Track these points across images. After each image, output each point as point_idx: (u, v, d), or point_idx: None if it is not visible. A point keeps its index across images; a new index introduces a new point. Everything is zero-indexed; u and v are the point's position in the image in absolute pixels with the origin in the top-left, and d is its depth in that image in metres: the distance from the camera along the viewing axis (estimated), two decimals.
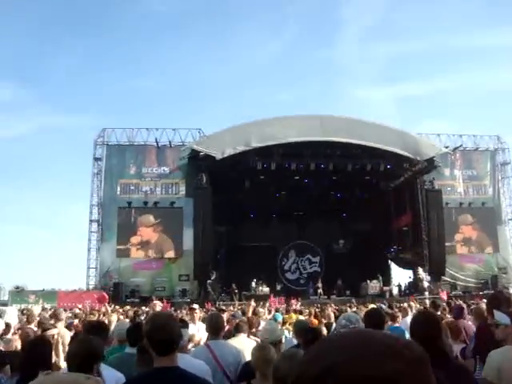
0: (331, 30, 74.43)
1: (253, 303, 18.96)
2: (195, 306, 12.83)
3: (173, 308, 18.14)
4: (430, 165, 26.53)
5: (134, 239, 26.78)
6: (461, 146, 29.32)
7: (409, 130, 27.06)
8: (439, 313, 8.86)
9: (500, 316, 4.20)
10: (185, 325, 5.28)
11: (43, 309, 16.51)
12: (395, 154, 25.21)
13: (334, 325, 7.70)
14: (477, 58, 72.97)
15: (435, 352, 2.92)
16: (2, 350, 5.68)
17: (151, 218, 26.89)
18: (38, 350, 4.04)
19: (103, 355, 3.34)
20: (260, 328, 7.31)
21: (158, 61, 71.18)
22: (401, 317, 9.00)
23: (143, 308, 16.98)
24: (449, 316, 8.30)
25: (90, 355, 3.06)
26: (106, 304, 16.09)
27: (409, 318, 8.38)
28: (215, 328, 5.21)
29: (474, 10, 67.28)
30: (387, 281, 30.27)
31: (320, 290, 26.84)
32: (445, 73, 72.85)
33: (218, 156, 23.99)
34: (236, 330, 6.54)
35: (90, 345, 3.18)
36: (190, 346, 5.57)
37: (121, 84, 70.83)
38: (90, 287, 27.26)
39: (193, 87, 76.07)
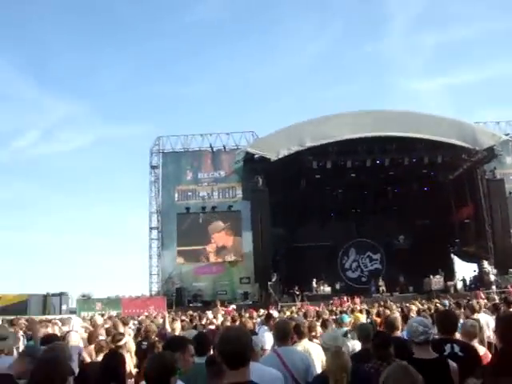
0: (376, 24, 73.72)
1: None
2: (275, 313, 13.05)
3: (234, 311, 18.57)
4: (490, 154, 26.26)
5: (210, 247, 27.77)
6: None
7: (465, 120, 26.65)
8: None
9: None
10: (253, 333, 5.34)
11: (110, 317, 17.13)
12: (452, 144, 25.16)
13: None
14: None
15: None
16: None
17: (220, 223, 27.78)
18: (112, 363, 4.32)
19: (178, 369, 3.41)
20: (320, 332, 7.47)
21: (208, 66, 72.32)
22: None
23: (207, 312, 17.48)
24: None
25: (165, 370, 3.16)
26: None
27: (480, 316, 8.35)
28: (283, 334, 5.26)
29: None
30: (451, 275, 29.96)
31: (382, 288, 26.86)
32: (496, 59, 70.77)
33: (273, 157, 24.48)
34: (298, 335, 6.74)
35: (165, 359, 3.29)
36: None
37: (172, 92, 72.44)
38: (153, 293, 28.06)
39: (243, 91, 76.97)
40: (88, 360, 6.30)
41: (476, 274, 28.21)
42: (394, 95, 74.87)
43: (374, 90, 74.71)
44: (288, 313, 15.27)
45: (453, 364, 3.89)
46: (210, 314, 17.03)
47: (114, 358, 4.46)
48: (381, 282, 27.57)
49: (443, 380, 3.83)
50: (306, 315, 12.30)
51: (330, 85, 79.25)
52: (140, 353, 7.53)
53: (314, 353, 5.75)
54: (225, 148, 28.30)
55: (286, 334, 5.33)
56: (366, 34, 72.72)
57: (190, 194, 28.16)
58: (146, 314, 20.62)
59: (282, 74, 74.85)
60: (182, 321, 12.23)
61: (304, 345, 6.15)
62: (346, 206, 30.48)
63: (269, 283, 25.22)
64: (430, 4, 68.29)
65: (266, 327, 8.77)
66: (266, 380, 3.31)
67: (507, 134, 27.77)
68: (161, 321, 12.36)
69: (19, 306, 25.24)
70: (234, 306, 22.71)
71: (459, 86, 73.81)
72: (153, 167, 29.26)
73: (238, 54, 73.09)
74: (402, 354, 4.28)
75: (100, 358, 5.65)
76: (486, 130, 26.90)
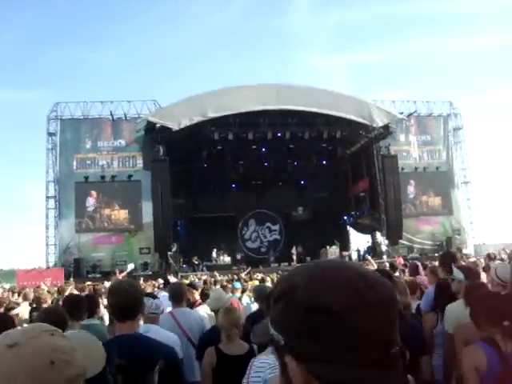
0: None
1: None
2: (173, 278, 13.14)
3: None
4: (386, 131, 27.49)
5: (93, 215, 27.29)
6: (415, 112, 30.58)
7: (364, 98, 27.55)
8: (397, 273, 9.76)
9: (457, 272, 4.66)
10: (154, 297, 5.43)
11: (8, 289, 16.48)
12: (351, 120, 26.12)
13: None
14: (427, 26, 75.49)
15: None
16: None
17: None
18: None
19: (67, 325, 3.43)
20: None
21: (110, 33, 70.15)
22: None
23: (106, 282, 17.21)
24: (407, 274, 9.13)
25: (55, 322, 3.14)
26: None
27: None
28: (178, 296, 5.54)
29: None
30: (346, 246, 31.41)
31: (295, 257, 27.87)
32: (396, 40, 74.77)
33: (175, 127, 24.32)
34: (203, 298, 6.87)
35: (56, 312, 3.36)
36: None
37: (72, 57, 69.54)
38: (50, 265, 27.44)
39: (146, 59, 75.67)
40: None
41: (369, 244, 29.61)
42: (296, 71, 76.64)
43: (277, 64, 76.20)
44: (187, 281, 15.47)
45: None
46: (107, 283, 16.83)
47: (3, 322, 4.24)
48: (293, 251, 28.36)
49: None
50: (205, 282, 12.63)
51: (235, 57, 79.85)
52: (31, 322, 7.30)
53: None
54: (126, 116, 27.79)
55: (181, 295, 5.61)
56: (271, 9, 73.40)
57: (88, 162, 27.50)
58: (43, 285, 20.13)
59: (186, 44, 74.68)
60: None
61: (207, 307, 6.36)
62: (246, 178, 31.01)
63: (169, 253, 25.32)
64: None
65: (165, 292, 8.87)
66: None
67: (402, 113, 29.05)
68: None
69: None
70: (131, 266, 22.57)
71: (360, 65, 76.72)
72: (50, 134, 28.33)
73: (141, 22, 71.37)
74: None
75: None
76: (383, 108, 27.97)
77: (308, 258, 27.77)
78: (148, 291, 9.07)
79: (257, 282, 12.82)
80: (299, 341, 0.86)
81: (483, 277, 7.64)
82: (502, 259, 13.96)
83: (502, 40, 69.46)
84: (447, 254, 6.98)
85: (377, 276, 0.93)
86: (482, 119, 71.39)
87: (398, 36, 77.60)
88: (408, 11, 73.57)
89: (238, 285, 10.46)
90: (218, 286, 10.41)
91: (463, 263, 9.36)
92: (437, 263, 9.24)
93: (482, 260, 12.83)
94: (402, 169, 28.85)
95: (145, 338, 2.92)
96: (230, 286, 10.78)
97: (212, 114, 24.59)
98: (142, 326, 3.91)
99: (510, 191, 55.97)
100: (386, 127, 27.12)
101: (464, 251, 26.94)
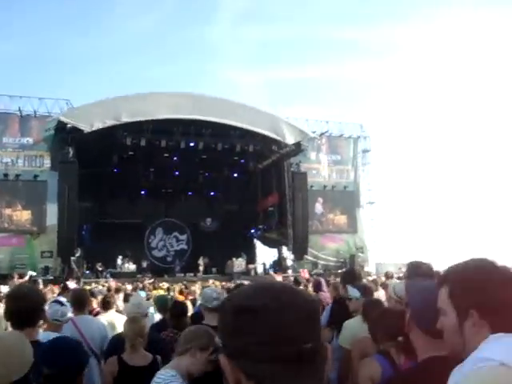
0: (206, 10, 75.80)
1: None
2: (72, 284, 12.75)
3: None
4: (297, 148, 28.16)
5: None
6: (327, 131, 31.50)
7: (278, 114, 28.14)
8: (301, 287, 10.05)
9: (352, 290, 4.86)
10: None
11: None
12: (264, 135, 26.52)
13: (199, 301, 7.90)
14: (343, 50, 77.98)
15: None
16: None
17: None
18: None
19: None
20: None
21: (26, 27, 67.50)
22: None
23: (1, 286, 16.50)
24: (310, 289, 9.16)
25: None
26: None
27: None
28: (79, 303, 5.36)
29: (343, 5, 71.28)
30: (253, 259, 31.69)
31: (201, 268, 28.03)
32: (314, 61, 77.62)
33: (87, 129, 23.85)
34: (104, 307, 6.75)
35: None
36: None
37: None
38: None
39: (61, 57, 73.45)
40: None
41: (276, 259, 30.15)
42: (214, 82, 78.16)
43: (196, 74, 76.85)
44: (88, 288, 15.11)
45: None
46: (3, 287, 16.14)
47: None
48: (200, 262, 28.43)
49: None
50: (109, 289, 12.43)
51: (153, 64, 79.64)
52: None
53: (118, 323, 5.75)
54: (35, 114, 26.79)
55: (83, 302, 5.46)
56: (194, 18, 73.96)
57: None
58: None
59: (105, 46, 73.75)
60: None
61: (110, 315, 6.32)
62: (156, 186, 30.77)
63: (72, 258, 24.63)
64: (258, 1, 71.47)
65: (63, 298, 8.61)
66: None
67: (314, 132, 29.93)
68: None
69: None
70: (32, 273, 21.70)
71: (276, 82, 78.99)
72: None
73: (58, 18, 69.48)
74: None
75: None
76: (296, 125, 28.65)
77: (214, 270, 28.08)
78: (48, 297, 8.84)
79: (162, 292, 12.81)
80: (229, 340, 1.02)
81: (382, 294, 8.07)
82: (399, 277, 14.72)
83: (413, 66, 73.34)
84: (349, 271, 7.18)
85: (297, 287, 1.16)
86: (390, 143, 75.10)
87: (315, 57, 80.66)
88: (325, 34, 76.61)
89: (142, 293, 10.37)
90: (122, 295, 10.30)
91: (365, 281, 9.92)
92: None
93: (383, 278, 13.46)
94: (311, 186, 29.59)
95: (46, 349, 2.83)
96: (134, 294, 10.69)
97: (126, 119, 24.24)
98: (42, 334, 3.74)
99: (410, 213, 58.83)
100: (297, 144, 27.80)
101: (366, 269, 27.97)
